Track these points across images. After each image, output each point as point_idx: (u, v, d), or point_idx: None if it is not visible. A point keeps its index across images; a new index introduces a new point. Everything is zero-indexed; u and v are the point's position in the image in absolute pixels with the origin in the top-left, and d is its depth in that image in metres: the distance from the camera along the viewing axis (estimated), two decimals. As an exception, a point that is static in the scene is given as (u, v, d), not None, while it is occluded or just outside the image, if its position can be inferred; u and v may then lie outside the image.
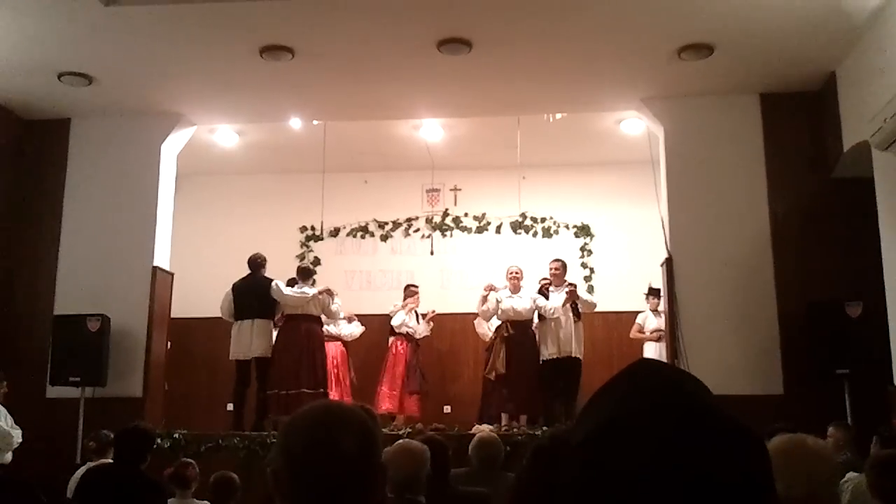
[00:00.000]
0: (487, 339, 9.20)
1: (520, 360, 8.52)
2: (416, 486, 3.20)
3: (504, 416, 8.44)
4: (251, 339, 8.29)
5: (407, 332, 9.56)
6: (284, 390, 8.14)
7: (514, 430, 7.77)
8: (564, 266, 9.02)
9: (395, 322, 9.55)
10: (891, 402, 6.65)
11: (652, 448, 0.78)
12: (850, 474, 4.35)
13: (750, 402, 6.63)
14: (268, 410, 8.22)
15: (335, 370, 9.25)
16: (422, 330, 9.71)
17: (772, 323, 7.59)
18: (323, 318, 8.87)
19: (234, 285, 8.50)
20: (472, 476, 4.37)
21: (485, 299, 8.89)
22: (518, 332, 8.66)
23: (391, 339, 9.59)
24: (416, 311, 9.74)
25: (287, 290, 8.45)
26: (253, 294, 8.40)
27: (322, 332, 8.82)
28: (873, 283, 6.62)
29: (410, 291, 9.78)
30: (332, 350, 9.30)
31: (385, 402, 9.18)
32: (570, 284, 8.78)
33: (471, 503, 3.88)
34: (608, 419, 0.82)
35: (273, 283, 8.41)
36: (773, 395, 7.27)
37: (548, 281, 8.88)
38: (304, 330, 8.46)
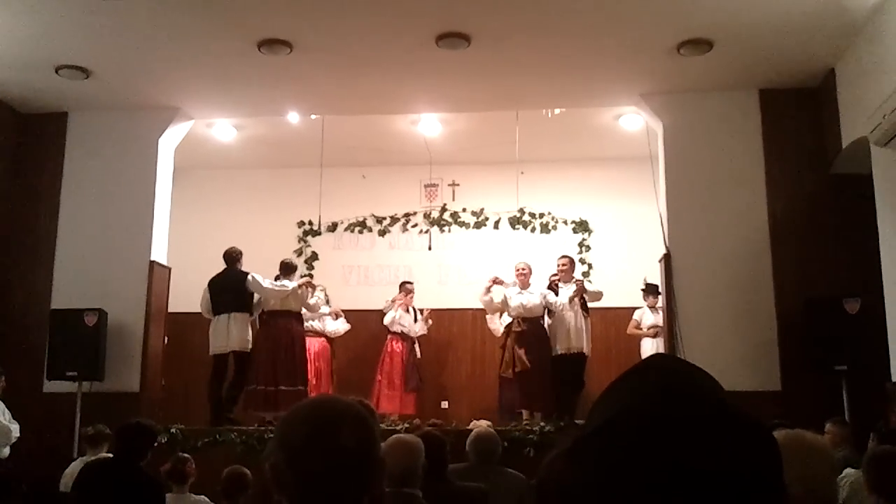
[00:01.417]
0: (499, 335, 9.10)
1: (534, 356, 8.46)
2: (411, 479, 3.20)
3: (525, 413, 8.40)
4: (228, 333, 8.23)
5: (401, 331, 9.50)
6: (263, 386, 8.16)
7: (534, 426, 7.67)
8: (572, 262, 9.06)
9: (386, 321, 9.50)
10: (888, 398, 6.65)
11: (661, 441, 0.78)
12: (848, 470, 4.36)
13: (748, 397, 6.63)
14: (246, 406, 8.27)
15: (315, 365, 9.17)
16: (417, 329, 9.63)
17: (770, 319, 7.59)
18: (305, 313, 8.81)
19: (210, 281, 8.45)
20: (470, 471, 4.37)
21: (488, 290, 8.83)
22: (530, 327, 8.62)
23: (388, 337, 9.55)
24: (413, 308, 9.71)
25: (266, 283, 8.37)
26: (228, 288, 8.33)
27: (302, 328, 8.74)
28: (872, 280, 6.62)
29: (405, 289, 9.71)
30: (314, 345, 9.22)
31: (385, 403, 9.13)
32: (579, 281, 8.83)
33: (468, 498, 3.88)
34: (619, 411, 0.82)
35: (249, 276, 8.34)
36: (771, 391, 7.28)
37: (557, 277, 8.87)
38: (283, 326, 8.42)
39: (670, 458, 0.77)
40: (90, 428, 6.02)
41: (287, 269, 8.68)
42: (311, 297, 8.77)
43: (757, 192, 7.85)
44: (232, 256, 8.47)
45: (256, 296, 8.47)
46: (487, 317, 9.39)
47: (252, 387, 8.21)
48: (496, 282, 8.86)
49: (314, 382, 9.02)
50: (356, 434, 1.43)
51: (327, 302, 9.63)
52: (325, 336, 9.58)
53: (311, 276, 9.82)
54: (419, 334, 9.66)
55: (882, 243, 6.53)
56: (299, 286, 8.55)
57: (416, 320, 9.66)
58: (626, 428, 0.80)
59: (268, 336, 8.38)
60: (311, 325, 9.23)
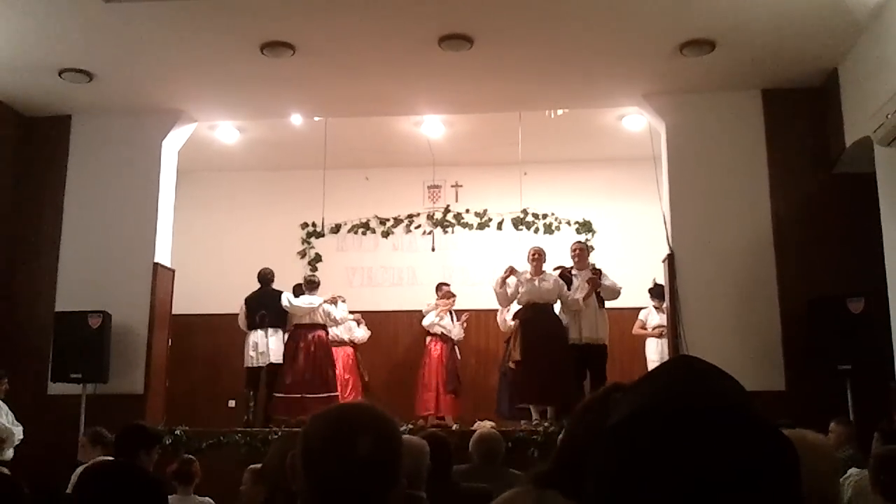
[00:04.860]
0: (506, 330, 8.83)
1: (541, 346, 7.96)
2: (416, 480, 3.20)
3: (534, 410, 7.98)
4: (267, 347, 8.74)
5: (441, 333, 9.55)
6: (292, 394, 8.54)
7: (545, 424, 7.44)
8: (584, 248, 8.79)
9: (425, 322, 9.58)
10: (893, 397, 6.64)
11: (679, 442, 0.79)
12: (852, 470, 4.35)
13: (752, 397, 6.61)
14: (274, 412, 8.60)
15: (346, 375, 9.35)
16: (457, 332, 9.67)
17: (774, 318, 7.57)
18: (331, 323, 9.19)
19: (246, 299, 8.91)
20: (474, 472, 4.37)
21: (503, 281, 8.25)
22: (539, 315, 8.14)
23: (427, 339, 9.60)
24: (451, 311, 9.73)
25: (296, 301, 8.87)
26: (267, 306, 8.85)
27: (327, 338, 9.03)
28: (875, 279, 6.61)
29: (445, 293, 9.69)
30: (341, 355, 9.35)
31: (421, 405, 9.26)
32: (594, 270, 8.41)
33: (472, 499, 3.87)
34: (641, 406, 0.84)
35: (283, 296, 8.85)
36: (775, 391, 7.25)
37: (569, 266, 8.54)
38: (310, 338, 8.83)
39: (687, 460, 0.78)
40: (84, 437, 6.01)
41: (311, 286, 9.08)
42: (336, 308, 9.15)
43: (760, 192, 7.84)
44: (266, 277, 9.00)
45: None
46: (499, 312, 9.07)
47: (281, 395, 8.62)
48: (512, 272, 8.30)
49: (348, 391, 9.27)
50: (374, 444, 1.43)
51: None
52: (352, 344, 9.66)
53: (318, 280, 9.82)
54: (458, 338, 9.71)
55: (886, 242, 6.52)
56: (325, 301, 8.97)
57: (452, 322, 9.68)
58: (645, 427, 0.82)
59: (297, 347, 8.78)
60: (337, 335, 9.39)
